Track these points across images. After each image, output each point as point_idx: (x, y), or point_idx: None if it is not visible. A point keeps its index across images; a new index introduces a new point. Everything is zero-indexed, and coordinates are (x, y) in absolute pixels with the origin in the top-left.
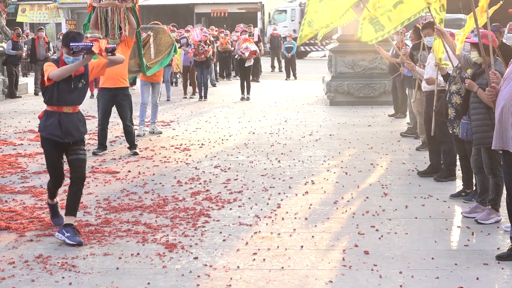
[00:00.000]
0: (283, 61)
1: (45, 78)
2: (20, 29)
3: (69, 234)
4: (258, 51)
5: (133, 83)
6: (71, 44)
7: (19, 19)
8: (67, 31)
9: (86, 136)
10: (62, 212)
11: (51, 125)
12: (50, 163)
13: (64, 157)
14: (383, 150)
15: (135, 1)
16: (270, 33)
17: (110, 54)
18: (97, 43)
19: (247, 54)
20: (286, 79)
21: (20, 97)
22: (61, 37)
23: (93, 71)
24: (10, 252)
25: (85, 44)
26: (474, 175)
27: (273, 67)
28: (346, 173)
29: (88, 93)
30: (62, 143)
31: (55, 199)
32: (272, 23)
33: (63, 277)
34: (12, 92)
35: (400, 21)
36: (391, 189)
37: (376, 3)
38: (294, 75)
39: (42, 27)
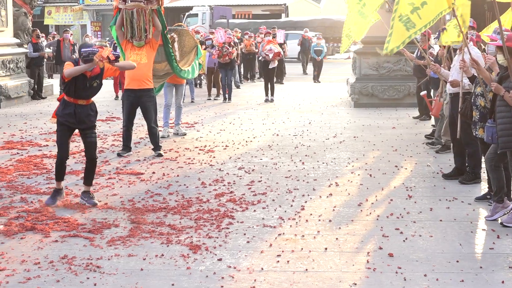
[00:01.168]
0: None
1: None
2: (38, 31)
3: (87, 199)
4: (282, 53)
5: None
6: (82, 49)
7: (46, 21)
8: (82, 43)
9: (111, 138)
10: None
11: (68, 114)
12: (60, 142)
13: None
14: (407, 152)
15: (160, 3)
16: (301, 36)
17: (114, 61)
18: (101, 51)
19: (271, 55)
20: (314, 82)
21: (45, 98)
22: (86, 39)
23: (106, 72)
24: (35, 253)
25: (92, 50)
26: (488, 173)
27: (304, 70)
28: (371, 175)
29: (113, 95)
30: (74, 128)
31: (61, 184)
32: (186, 24)
33: (87, 278)
34: (36, 93)
35: (428, 21)
36: (415, 192)
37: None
38: (317, 78)
39: (68, 29)
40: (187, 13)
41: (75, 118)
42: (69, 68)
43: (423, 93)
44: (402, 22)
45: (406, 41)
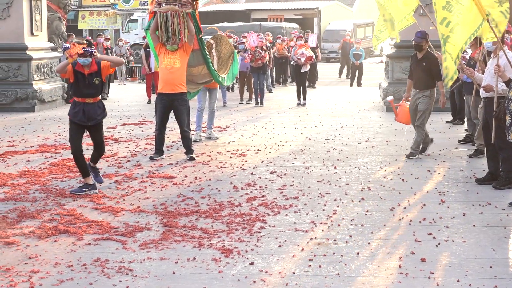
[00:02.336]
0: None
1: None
2: (73, 35)
3: (94, 175)
4: (314, 57)
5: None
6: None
7: (80, 26)
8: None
9: (143, 141)
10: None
11: (77, 113)
12: (72, 139)
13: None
14: (440, 156)
15: (195, 7)
16: (342, 39)
17: (83, 55)
18: (72, 47)
19: (303, 60)
20: (351, 86)
21: None
22: (119, 43)
23: (103, 71)
24: (68, 255)
25: (65, 46)
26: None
27: (341, 73)
28: (403, 179)
29: (146, 99)
30: (85, 125)
31: (90, 180)
32: (126, 30)
33: (120, 281)
34: (70, 97)
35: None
36: (448, 196)
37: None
38: (359, 82)
39: (101, 33)
40: (128, 19)
41: (84, 115)
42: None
43: (390, 98)
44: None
45: (456, 73)
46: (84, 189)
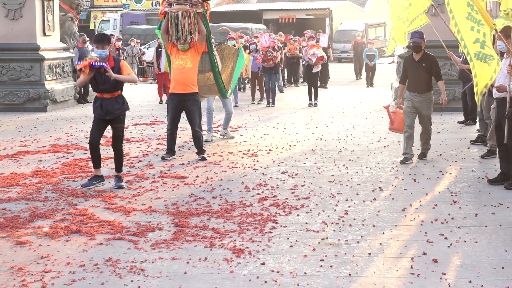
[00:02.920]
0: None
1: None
2: (85, 36)
3: (115, 182)
4: (325, 57)
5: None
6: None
7: (92, 26)
8: (97, 33)
9: (155, 141)
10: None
11: (97, 108)
12: (92, 129)
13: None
14: (452, 157)
15: (205, 7)
16: (354, 40)
17: (93, 68)
18: (85, 62)
19: (314, 60)
20: (367, 87)
21: (91, 102)
22: (131, 43)
23: (122, 69)
24: (80, 255)
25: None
26: None
27: (357, 74)
28: (415, 180)
29: (157, 99)
30: (104, 119)
31: (99, 172)
32: (99, 30)
33: (131, 281)
34: (82, 97)
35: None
36: (460, 197)
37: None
38: (371, 83)
39: (112, 33)
40: (100, 19)
41: (102, 110)
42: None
43: (386, 104)
44: (480, 60)
45: (493, 77)
46: (94, 181)
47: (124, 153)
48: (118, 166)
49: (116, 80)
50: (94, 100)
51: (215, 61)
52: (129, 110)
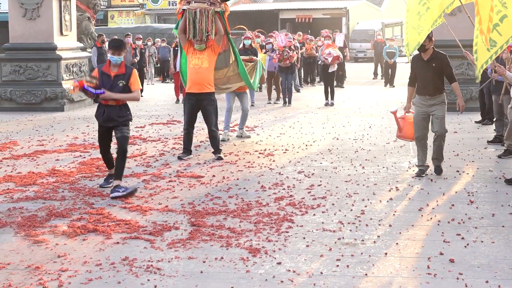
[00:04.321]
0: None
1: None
2: (104, 36)
3: (123, 189)
4: (341, 57)
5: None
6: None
7: (109, 26)
8: (112, 39)
9: (171, 141)
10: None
11: (98, 114)
12: (98, 137)
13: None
14: (469, 157)
15: (222, 7)
16: (374, 39)
17: (89, 96)
18: (80, 82)
19: (330, 59)
20: (385, 86)
21: None
22: (148, 43)
23: (131, 77)
24: (97, 254)
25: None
26: None
27: (375, 74)
28: (432, 180)
29: (174, 98)
30: (106, 128)
31: (112, 170)
32: None
33: (148, 280)
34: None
35: (510, 35)
36: (477, 197)
37: (483, 17)
38: (392, 82)
39: (129, 33)
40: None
41: (102, 117)
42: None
43: (393, 109)
44: (484, 43)
45: (489, 61)
46: (110, 180)
47: (141, 152)
48: (119, 173)
49: (123, 88)
50: (97, 106)
51: (238, 55)
52: (131, 120)
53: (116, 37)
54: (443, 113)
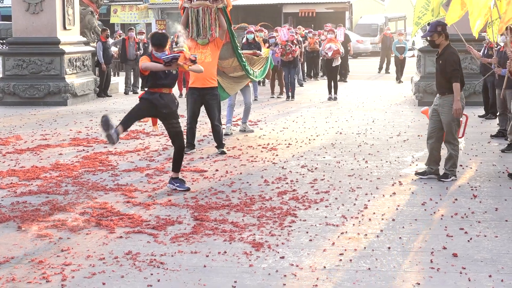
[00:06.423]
0: (392, 63)
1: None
2: (108, 30)
3: (178, 184)
4: (342, 51)
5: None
6: (163, 58)
7: (112, 20)
8: (153, 32)
9: None
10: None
11: (155, 98)
12: (134, 116)
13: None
14: (472, 151)
15: (225, 2)
16: (383, 33)
17: (194, 61)
18: (183, 55)
19: (330, 54)
20: (397, 81)
21: (111, 96)
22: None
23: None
24: (100, 248)
25: (173, 55)
26: None
27: (380, 68)
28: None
29: (177, 93)
30: (158, 112)
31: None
32: None
33: (151, 274)
34: (102, 91)
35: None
36: (480, 191)
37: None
38: (400, 78)
39: (132, 28)
40: None
41: (161, 102)
42: (146, 62)
43: (423, 109)
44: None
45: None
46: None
47: (144, 147)
48: (177, 165)
49: (175, 74)
50: (148, 93)
51: (238, 48)
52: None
53: (157, 30)
54: (449, 119)
